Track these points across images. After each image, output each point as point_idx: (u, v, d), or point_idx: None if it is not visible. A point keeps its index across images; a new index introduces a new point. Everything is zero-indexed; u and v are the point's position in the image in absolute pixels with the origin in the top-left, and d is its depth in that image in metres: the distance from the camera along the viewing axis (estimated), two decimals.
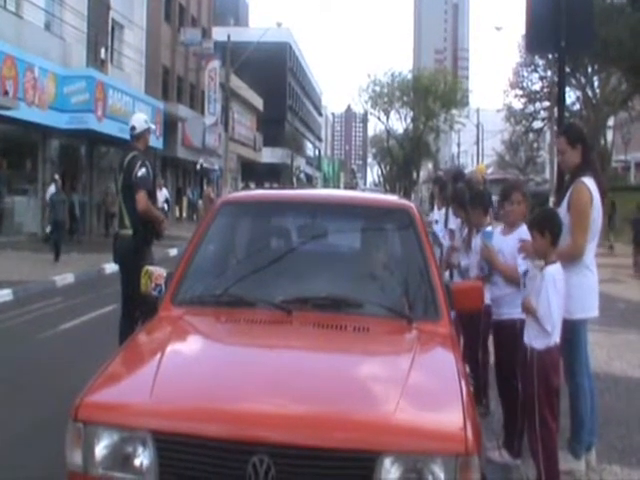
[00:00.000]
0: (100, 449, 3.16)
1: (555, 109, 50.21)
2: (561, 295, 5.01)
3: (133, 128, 7.96)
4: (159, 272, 4.83)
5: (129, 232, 7.68)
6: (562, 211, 5.50)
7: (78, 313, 12.39)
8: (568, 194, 5.55)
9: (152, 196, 7.82)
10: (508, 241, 6.01)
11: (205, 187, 42.18)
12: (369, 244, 5.39)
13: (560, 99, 8.07)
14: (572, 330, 5.27)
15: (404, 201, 5.54)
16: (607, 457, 5.74)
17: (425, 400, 3.37)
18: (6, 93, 21.68)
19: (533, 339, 5.04)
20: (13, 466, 5.48)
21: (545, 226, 5.06)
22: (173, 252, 21.92)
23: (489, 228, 6.56)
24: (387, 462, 3.02)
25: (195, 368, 3.67)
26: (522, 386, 5.22)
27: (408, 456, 3.06)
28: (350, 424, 3.15)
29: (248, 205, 5.47)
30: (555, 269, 5.02)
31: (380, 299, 4.47)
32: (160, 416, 3.18)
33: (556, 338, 5.02)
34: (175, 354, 3.84)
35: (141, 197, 7.59)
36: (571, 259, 5.32)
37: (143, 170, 7.62)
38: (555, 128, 47.08)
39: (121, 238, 7.83)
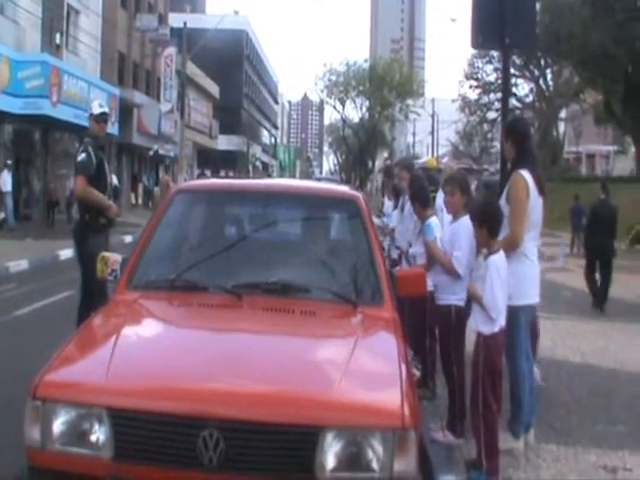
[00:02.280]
0: (57, 425, 3.32)
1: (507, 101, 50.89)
2: (505, 283, 5.29)
3: (90, 115, 8.03)
4: (115, 258, 4.98)
5: (77, 217, 7.82)
6: (502, 202, 5.77)
7: (32, 299, 12.41)
8: (507, 185, 5.83)
9: (99, 183, 7.82)
10: (449, 230, 6.41)
11: (162, 174, 41.81)
12: (318, 232, 5.62)
13: (504, 94, 8.33)
14: (512, 316, 5.52)
15: (352, 192, 5.81)
16: (545, 437, 6.03)
17: (365, 379, 3.57)
18: None
19: (480, 324, 5.30)
20: None
21: (483, 218, 5.37)
22: (128, 239, 21.93)
23: (431, 220, 6.88)
24: (329, 436, 3.23)
25: (149, 349, 3.90)
26: (471, 369, 5.47)
27: (348, 431, 3.28)
28: (294, 401, 3.36)
29: (201, 194, 5.68)
30: (498, 258, 5.29)
31: (327, 285, 4.66)
32: (115, 393, 3.34)
33: (501, 323, 5.30)
34: (130, 335, 4.02)
35: (78, 182, 7.67)
36: (509, 248, 5.58)
37: (83, 155, 7.66)
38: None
39: (74, 224, 7.97)
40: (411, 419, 3.31)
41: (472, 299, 5.42)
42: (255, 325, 4.29)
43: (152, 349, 3.89)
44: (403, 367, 3.70)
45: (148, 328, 4.35)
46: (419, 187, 7.40)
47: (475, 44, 7.93)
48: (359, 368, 3.63)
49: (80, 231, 7.78)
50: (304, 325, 4.36)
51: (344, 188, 6.65)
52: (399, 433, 3.27)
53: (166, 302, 4.53)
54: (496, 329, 5.28)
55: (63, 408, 3.33)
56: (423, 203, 7.12)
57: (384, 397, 3.43)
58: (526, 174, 5.72)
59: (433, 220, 6.97)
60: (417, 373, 7.49)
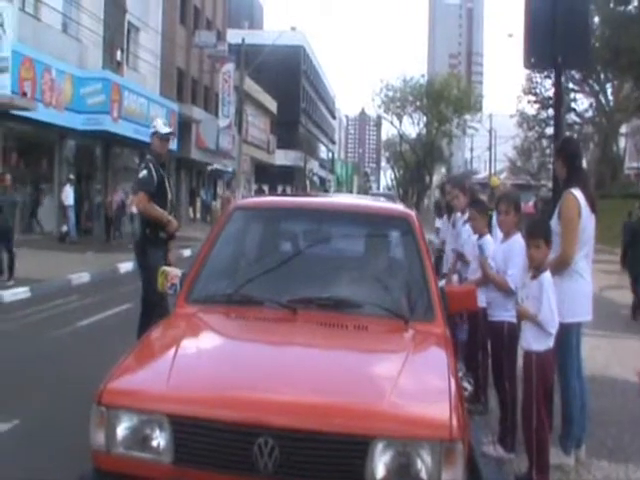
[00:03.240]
0: (121, 430, 3.50)
1: (567, 116, 50.40)
2: (554, 300, 5.35)
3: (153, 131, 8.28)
4: (174, 272, 5.17)
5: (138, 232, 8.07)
6: (554, 220, 5.82)
7: (94, 311, 12.73)
8: (559, 204, 5.87)
9: (160, 199, 8.08)
10: (501, 249, 6.47)
11: (223, 190, 42.17)
12: (370, 249, 5.76)
13: (557, 113, 8.29)
14: (564, 333, 5.56)
15: (405, 209, 5.90)
16: (597, 454, 6.03)
17: (415, 392, 3.68)
18: (24, 94, 22.08)
19: (533, 342, 5.35)
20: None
21: (549, 235, 5.43)
22: (187, 252, 22.27)
23: (486, 237, 7.02)
24: (379, 446, 3.34)
25: (207, 359, 4.04)
26: (522, 385, 5.52)
27: (398, 441, 3.38)
28: (346, 411, 3.48)
29: (259, 211, 5.87)
30: (549, 275, 5.35)
31: (379, 300, 4.76)
32: (175, 401, 3.52)
33: (552, 340, 5.36)
34: (189, 346, 4.20)
35: (140, 198, 7.95)
36: (561, 267, 5.63)
37: (144, 172, 7.95)
38: (567, 134, 47.26)
39: (136, 238, 8.23)
40: (459, 431, 3.39)
41: (522, 318, 5.47)
42: (309, 338, 4.41)
43: (210, 360, 4.03)
44: (452, 381, 3.79)
45: (206, 340, 4.51)
46: (481, 202, 7.54)
47: (528, 64, 7.93)
48: (409, 381, 3.72)
49: (141, 245, 8.03)
50: (356, 339, 4.46)
51: (397, 206, 6.72)
52: (447, 444, 3.35)
53: (224, 315, 4.67)
54: (550, 345, 5.34)
55: (126, 414, 3.51)
56: (487, 219, 7.22)
57: (433, 409, 3.53)
58: (578, 193, 5.76)
59: (488, 238, 7.06)
60: (469, 387, 7.57)
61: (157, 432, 3.48)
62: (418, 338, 4.40)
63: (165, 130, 8.26)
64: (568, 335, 5.64)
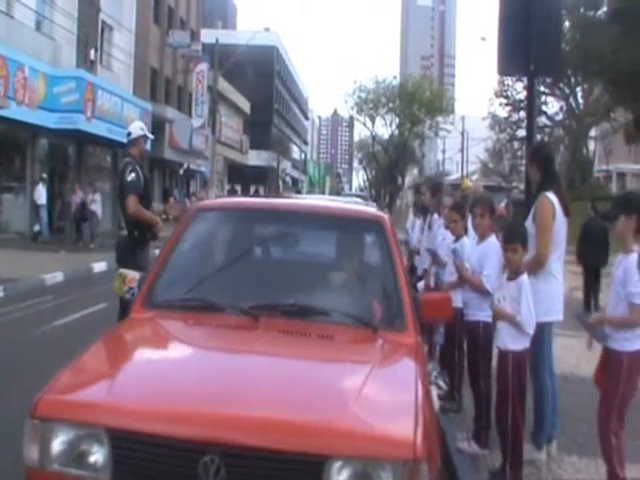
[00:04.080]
0: (56, 445, 3.24)
1: (538, 119, 50.86)
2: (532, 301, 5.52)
3: (129, 134, 8.37)
4: (132, 275, 5.00)
5: (125, 233, 8.11)
6: (528, 222, 5.98)
7: (69, 311, 12.73)
8: (534, 207, 6.03)
9: (145, 200, 8.20)
10: (476, 251, 6.68)
11: (198, 190, 41.74)
12: (340, 253, 5.54)
13: (529, 118, 8.45)
14: (537, 333, 5.71)
15: (377, 212, 5.74)
16: (567, 449, 6.21)
17: (378, 407, 3.42)
18: None
19: (509, 342, 5.52)
20: None
21: (526, 240, 5.62)
22: (157, 252, 22.19)
23: (459, 244, 7.21)
24: (336, 466, 3.11)
25: (155, 369, 3.81)
26: (497, 383, 5.67)
27: (356, 461, 3.14)
28: (300, 427, 3.23)
29: (222, 212, 5.61)
30: (526, 277, 5.52)
31: (347, 308, 4.53)
32: (116, 414, 3.25)
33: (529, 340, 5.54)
34: (138, 355, 4.05)
35: (130, 200, 8.01)
36: (536, 268, 5.79)
37: (133, 175, 8.03)
38: (538, 137, 47.68)
39: (118, 239, 8.29)
40: (423, 450, 3.15)
41: (499, 318, 5.62)
42: (268, 348, 4.17)
43: (159, 369, 3.80)
44: (420, 396, 3.53)
45: (157, 348, 4.29)
46: (458, 204, 7.73)
47: (501, 71, 8.10)
48: (372, 396, 3.49)
49: (130, 246, 8.07)
50: (319, 349, 4.24)
51: (369, 208, 6.39)
52: (410, 465, 3.11)
53: (180, 322, 4.45)
54: (526, 345, 5.51)
55: (62, 427, 3.25)
56: (465, 221, 7.38)
57: (396, 427, 3.29)
58: (552, 196, 5.93)
59: (465, 240, 7.23)
60: (444, 386, 7.72)
61: (95, 447, 3.21)
62: (386, 349, 4.18)
63: (144, 133, 8.39)
64: (541, 334, 5.80)
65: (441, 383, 7.94)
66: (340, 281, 5.08)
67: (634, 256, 4.86)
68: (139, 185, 8.04)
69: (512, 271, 5.62)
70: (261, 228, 5.59)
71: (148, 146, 10.20)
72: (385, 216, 5.45)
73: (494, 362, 6.00)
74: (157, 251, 19.52)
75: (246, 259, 5.19)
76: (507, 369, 5.49)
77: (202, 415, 3.24)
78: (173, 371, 3.74)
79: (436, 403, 7.51)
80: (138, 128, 8.44)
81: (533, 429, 6.07)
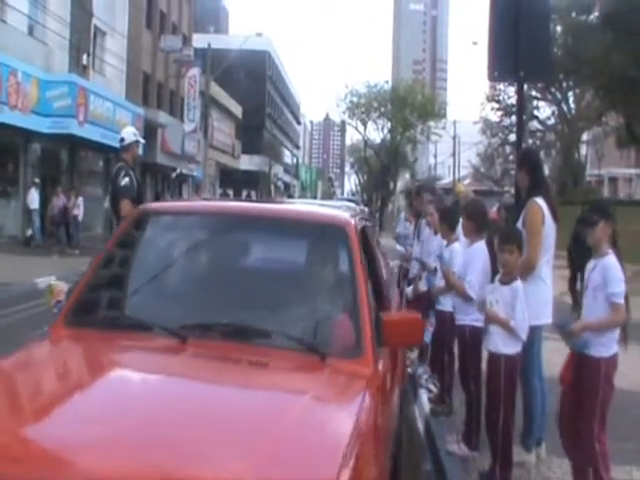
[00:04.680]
0: None
1: (530, 123, 51.06)
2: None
3: (122, 140, 8.45)
4: (60, 287, 4.49)
5: None
6: (519, 227, 6.07)
7: None
8: (523, 212, 6.11)
9: (138, 204, 8.28)
10: (463, 255, 6.86)
11: (194, 195, 41.47)
12: (292, 264, 4.85)
13: (519, 124, 8.55)
14: (527, 336, 5.79)
15: (342, 216, 4.86)
16: (556, 452, 6.21)
17: (297, 458, 2.76)
18: None
19: (502, 346, 5.58)
20: None
21: (522, 242, 5.72)
22: None
23: (449, 249, 7.33)
24: None
25: (32, 398, 3.30)
26: (487, 386, 5.75)
27: None
28: None
29: (166, 216, 5.02)
30: (520, 283, 5.60)
31: (292, 329, 3.92)
32: None
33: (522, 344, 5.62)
34: (24, 380, 3.52)
35: (124, 205, 8.09)
36: (526, 272, 5.86)
37: (126, 180, 8.13)
38: (529, 142, 47.87)
39: None
40: None
41: (491, 322, 5.68)
42: (185, 378, 3.55)
43: (35, 398, 3.27)
44: (354, 440, 2.90)
45: (49, 373, 3.67)
46: (449, 210, 7.80)
47: (491, 77, 8.19)
48: (293, 442, 2.83)
49: None
50: (246, 380, 3.56)
51: (334, 211, 5.41)
52: None
53: (98, 344, 3.88)
54: (519, 349, 5.58)
55: None
56: (450, 226, 7.45)
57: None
58: (541, 201, 6.01)
59: (456, 245, 7.32)
60: (434, 389, 7.82)
61: None
62: (332, 380, 3.57)
63: (137, 139, 8.49)
64: (531, 338, 5.86)
65: (431, 386, 8.06)
66: (288, 297, 4.34)
67: (611, 257, 4.94)
68: (132, 189, 8.12)
69: (506, 273, 5.68)
70: (205, 234, 4.84)
71: (140, 151, 10.27)
72: (351, 221, 4.64)
73: (484, 365, 6.07)
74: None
75: (185, 270, 4.69)
76: (499, 372, 5.56)
77: (57, 455, 2.69)
78: (46, 401, 3.19)
79: (426, 406, 7.63)
80: (131, 133, 8.53)
81: (522, 431, 6.14)
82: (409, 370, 9.33)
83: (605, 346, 4.99)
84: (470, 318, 6.37)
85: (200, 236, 4.82)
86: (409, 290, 9.20)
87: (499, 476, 5.47)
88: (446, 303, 7.38)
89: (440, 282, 7.49)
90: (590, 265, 5.08)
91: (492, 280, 6.16)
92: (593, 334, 5.00)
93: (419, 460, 6.66)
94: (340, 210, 5.51)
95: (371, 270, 4.67)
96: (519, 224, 6.12)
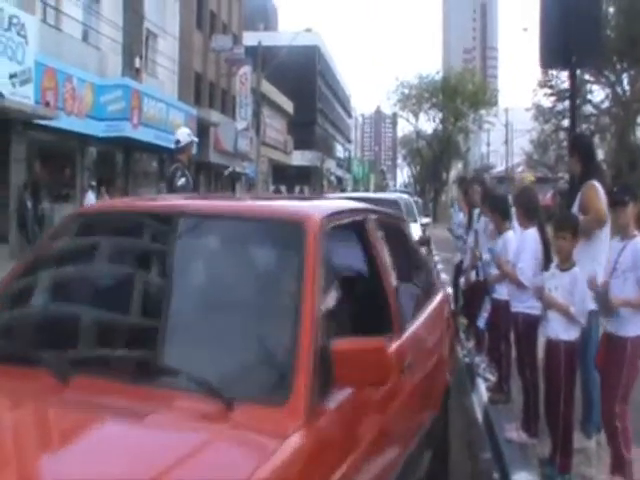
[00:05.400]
0: None
1: (583, 107, 50.38)
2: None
3: (177, 142, 8.63)
4: None
5: None
6: (574, 212, 6.08)
7: None
8: (578, 196, 6.12)
9: None
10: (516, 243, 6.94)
11: (244, 192, 41.69)
12: (219, 277, 3.65)
13: (572, 111, 8.55)
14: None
15: (303, 211, 3.81)
16: None
17: None
18: (47, 104, 22.46)
19: (561, 332, 5.58)
20: None
21: (577, 228, 5.67)
22: None
23: (502, 239, 7.39)
24: None
25: None
26: (546, 373, 5.77)
27: None
28: None
29: (94, 219, 4.12)
30: (579, 270, 5.61)
31: (193, 365, 3.01)
32: None
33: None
34: None
35: None
36: (596, 225, 5.87)
37: (183, 180, 8.33)
38: (584, 127, 47.22)
39: None
40: None
41: (550, 308, 5.69)
42: (45, 429, 2.89)
43: None
44: None
45: None
46: (499, 199, 7.84)
47: (543, 64, 8.24)
48: None
49: None
50: (112, 437, 2.73)
51: (291, 204, 4.52)
52: None
53: None
54: (578, 335, 5.61)
55: None
56: (503, 215, 7.50)
57: None
58: (597, 184, 6.02)
59: (509, 234, 7.37)
60: (492, 378, 7.86)
61: None
62: (230, 438, 2.70)
63: (192, 139, 8.69)
64: (589, 322, 5.88)
65: (489, 375, 8.10)
66: (202, 322, 3.35)
67: None
68: (189, 189, 8.32)
69: (563, 259, 5.69)
70: (118, 242, 3.88)
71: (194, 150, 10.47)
72: (316, 217, 3.59)
73: (540, 352, 6.10)
74: None
75: (87, 288, 3.76)
76: (559, 359, 5.55)
77: None
78: None
79: (484, 395, 7.66)
80: (185, 134, 8.71)
81: (582, 418, 6.16)
82: (466, 360, 9.40)
83: (632, 325, 5.11)
84: (524, 305, 6.39)
85: (113, 244, 3.83)
86: (462, 281, 9.25)
87: (560, 463, 5.49)
88: (502, 291, 7.41)
89: (495, 270, 7.53)
90: (617, 246, 5.13)
91: (544, 266, 6.20)
92: (625, 313, 5.10)
93: (478, 449, 6.73)
94: (314, 203, 4.58)
95: (361, 278, 4.26)
96: (575, 209, 6.12)
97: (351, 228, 4.17)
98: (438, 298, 5.75)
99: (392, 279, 4.36)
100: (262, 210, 4.03)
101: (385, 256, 4.38)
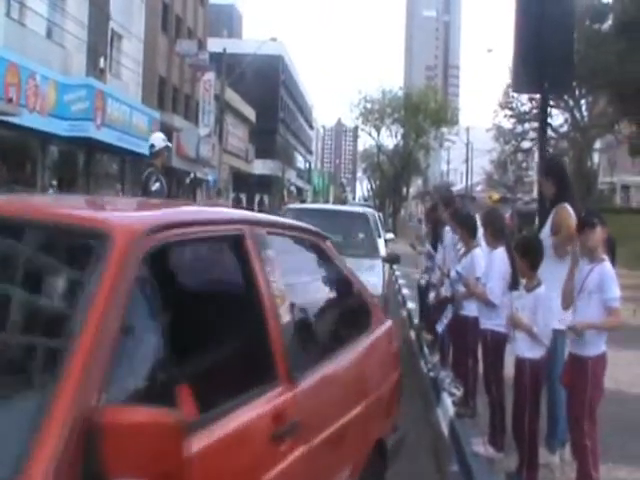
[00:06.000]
0: None
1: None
2: (554, 313, 5.71)
3: (152, 146, 8.63)
4: None
5: None
6: (545, 234, 6.18)
7: None
8: (550, 218, 6.23)
9: None
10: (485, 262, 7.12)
11: (214, 198, 39.45)
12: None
13: (541, 133, 8.70)
14: (551, 339, 5.90)
15: (116, 220, 2.75)
16: None
17: None
18: (10, 100, 22.19)
19: (526, 351, 5.72)
20: None
21: (524, 251, 5.85)
22: None
23: (475, 251, 7.52)
24: None
25: None
26: (514, 389, 5.87)
27: None
28: None
29: None
30: (543, 290, 5.71)
31: None
32: None
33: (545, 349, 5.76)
34: None
35: None
36: (569, 242, 5.91)
37: (157, 185, 8.34)
38: (549, 151, 47.87)
39: None
40: None
41: (516, 327, 5.81)
42: None
43: None
44: None
45: None
46: (467, 217, 7.96)
47: (516, 89, 8.43)
48: None
49: None
50: None
51: (105, 208, 3.55)
52: None
53: None
54: (543, 354, 5.71)
55: None
56: (470, 233, 7.63)
57: None
58: (569, 207, 6.14)
59: (477, 251, 7.50)
60: (457, 393, 7.93)
61: None
62: None
63: (166, 144, 8.69)
64: (555, 341, 5.98)
65: (454, 390, 8.17)
66: None
67: (608, 264, 5.19)
68: (163, 194, 8.32)
69: (528, 280, 5.82)
70: None
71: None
72: (132, 229, 2.64)
73: (509, 370, 6.18)
74: None
75: None
76: (524, 376, 5.69)
77: None
78: None
79: (450, 409, 7.73)
80: (160, 139, 8.72)
81: (547, 433, 6.25)
82: (431, 374, 9.46)
83: (593, 345, 5.24)
84: (492, 323, 6.52)
85: None
86: (432, 295, 9.33)
87: (526, 477, 5.58)
88: (469, 308, 7.52)
89: (462, 288, 7.63)
90: (585, 269, 5.23)
91: (512, 285, 6.33)
92: (587, 334, 5.22)
93: (445, 462, 6.78)
94: (129, 211, 3.37)
95: (223, 311, 3.50)
96: (546, 231, 6.23)
97: (214, 245, 3.48)
98: (378, 332, 4.70)
99: (283, 311, 3.36)
100: (54, 214, 2.85)
101: (275, 282, 3.37)
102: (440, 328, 8.36)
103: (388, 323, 5.01)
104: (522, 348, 5.75)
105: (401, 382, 4.99)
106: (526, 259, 5.78)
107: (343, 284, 4.58)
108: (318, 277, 4.51)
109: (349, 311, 4.64)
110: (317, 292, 4.38)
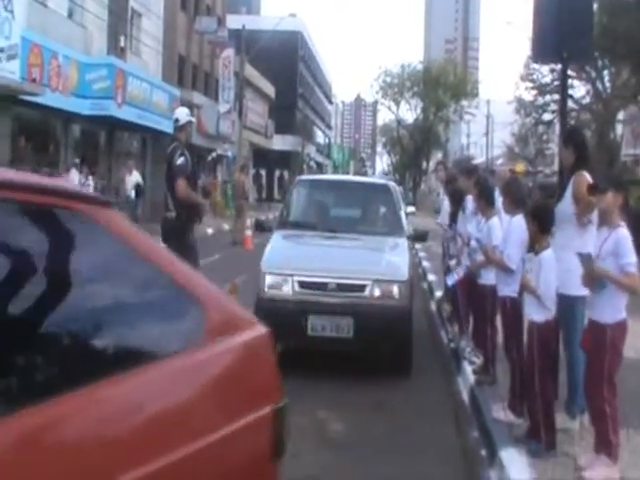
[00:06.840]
0: None
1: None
2: (555, 275, 5.81)
3: (176, 120, 8.74)
4: None
5: (173, 214, 8.51)
6: (566, 203, 6.30)
7: None
8: (569, 186, 6.34)
9: (192, 183, 8.62)
10: (503, 229, 7.27)
11: (237, 173, 36.30)
12: None
13: (562, 104, 8.78)
14: (570, 305, 6.06)
15: None
16: None
17: None
18: (34, 80, 22.39)
19: (534, 314, 5.87)
20: None
21: (534, 215, 5.99)
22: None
23: (492, 220, 7.70)
24: None
25: None
26: (526, 353, 6.01)
27: None
28: None
29: None
30: (549, 253, 5.84)
31: None
32: None
33: (553, 311, 5.85)
34: None
35: (180, 184, 8.40)
36: (589, 211, 6.05)
37: (182, 159, 8.44)
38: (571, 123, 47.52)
39: (165, 220, 8.68)
40: None
41: (525, 290, 5.97)
42: None
43: None
44: None
45: None
46: (485, 187, 8.09)
47: (535, 59, 8.48)
48: None
49: (181, 227, 8.48)
50: None
51: None
52: None
53: None
54: (550, 317, 5.82)
55: None
56: (488, 201, 7.77)
57: None
58: (587, 174, 6.25)
59: (494, 220, 7.62)
60: (477, 361, 8.09)
61: None
62: None
63: (190, 119, 8.81)
64: (573, 307, 6.12)
65: (474, 358, 8.33)
66: None
67: (623, 230, 5.24)
68: (188, 168, 8.45)
69: (535, 243, 5.99)
70: None
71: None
72: None
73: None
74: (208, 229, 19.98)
75: None
76: (533, 339, 5.84)
77: None
78: None
79: (470, 377, 7.89)
80: (184, 114, 8.83)
81: (567, 400, 6.40)
82: (452, 345, 9.60)
83: (611, 312, 5.30)
84: (510, 289, 6.67)
85: None
86: (452, 264, 9.44)
87: (544, 439, 5.71)
88: (487, 277, 7.67)
89: (480, 257, 7.77)
90: (604, 234, 5.33)
91: (529, 251, 6.47)
92: (604, 299, 5.29)
93: (466, 427, 6.94)
94: None
95: None
96: (566, 199, 6.34)
97: None
98: (218, 349, 2.79)
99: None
100: None
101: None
102: (450, 282, 8.56)
103: (254, 333, 2.98)
104: (530, 311, 5.93)
105: (281, 433, 2.89)
106: (536, 222, 5.92)
107: (133, 276, 2.74)
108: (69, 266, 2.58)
109: (135, 319, 2.65)
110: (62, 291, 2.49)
